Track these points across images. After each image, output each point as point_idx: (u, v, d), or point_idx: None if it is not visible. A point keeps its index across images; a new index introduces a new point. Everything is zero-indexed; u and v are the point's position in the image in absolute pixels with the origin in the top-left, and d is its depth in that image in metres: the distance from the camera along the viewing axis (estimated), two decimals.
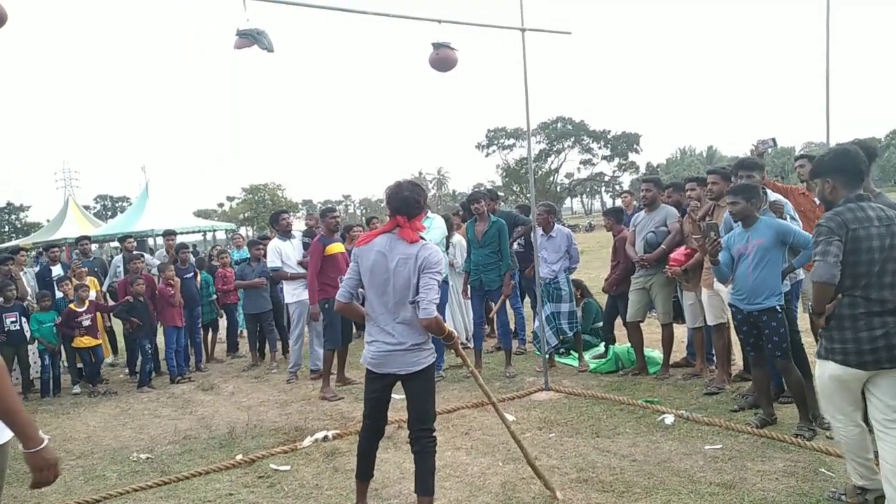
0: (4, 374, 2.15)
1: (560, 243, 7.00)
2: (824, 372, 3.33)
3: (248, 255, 9.36)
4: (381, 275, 3.40)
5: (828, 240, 3.18)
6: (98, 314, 8.21)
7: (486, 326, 7.96)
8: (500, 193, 14.05)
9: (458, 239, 8.18)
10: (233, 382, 7.68)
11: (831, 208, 3.32)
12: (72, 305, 7.68)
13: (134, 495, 4.35)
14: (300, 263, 7.49)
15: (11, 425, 2.19)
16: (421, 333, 3.41)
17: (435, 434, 3.50)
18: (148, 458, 5.14)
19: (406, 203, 3.43)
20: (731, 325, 5.29)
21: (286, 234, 7.74)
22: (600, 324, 7.63)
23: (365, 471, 3.64)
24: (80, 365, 7.84)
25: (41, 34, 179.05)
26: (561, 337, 6.94)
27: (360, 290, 3.58)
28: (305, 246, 7.79)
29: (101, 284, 9.00)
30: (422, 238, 3.47)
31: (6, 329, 7.39)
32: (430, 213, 6.79)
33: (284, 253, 7.50)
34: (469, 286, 7.09)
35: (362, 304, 3.64)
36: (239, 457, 4.87)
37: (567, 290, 6.97)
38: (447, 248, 7.70)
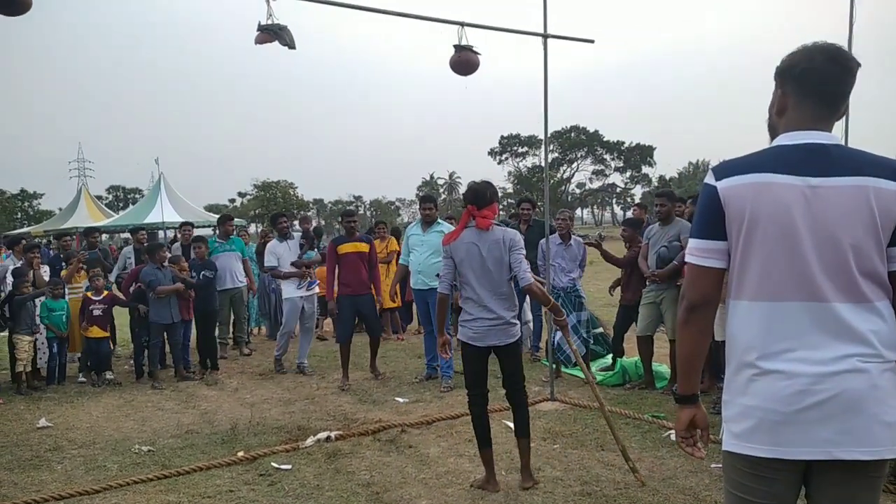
0: None
1: (577, 252, 7.02)
2: None
3: (255, 251, 9.42)
4: (477, 260, 4.00)
5: None
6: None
7: None
8: (511, 201, 14.25)
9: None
10: (237, 378, 7.67)
11: None
12: (88, 293, 7.68)
13: (134, 487, 4.33)
14: (293, 264, 7.92)
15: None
16: (511, 309, 4.04)
17: (525, 390, 4.21)
18: (149, 450, 5.13)
19: (475, 194, 4.07)
20: None
21: (284, 236, 8.15)
22: (598, 330, 7.74)
23: (485, 437, 4.11)
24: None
25: (59, 23, 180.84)
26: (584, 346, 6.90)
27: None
28: (300, 247, 8.24)
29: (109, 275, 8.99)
30: (493, 224, 4.07)
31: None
32: (440, 220, 7.27)
33: (278, 253, 7.94)
34: None
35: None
36: (240, 454, 4.86)
37: (584, 297, 7.03)
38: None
